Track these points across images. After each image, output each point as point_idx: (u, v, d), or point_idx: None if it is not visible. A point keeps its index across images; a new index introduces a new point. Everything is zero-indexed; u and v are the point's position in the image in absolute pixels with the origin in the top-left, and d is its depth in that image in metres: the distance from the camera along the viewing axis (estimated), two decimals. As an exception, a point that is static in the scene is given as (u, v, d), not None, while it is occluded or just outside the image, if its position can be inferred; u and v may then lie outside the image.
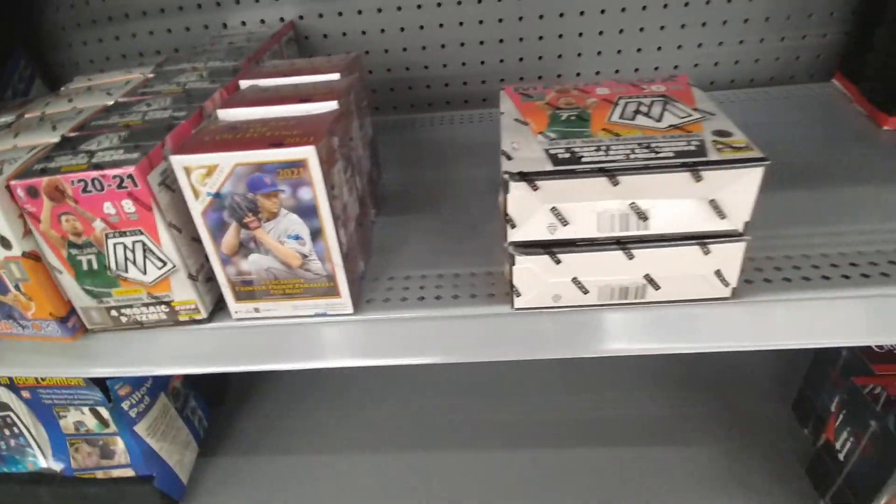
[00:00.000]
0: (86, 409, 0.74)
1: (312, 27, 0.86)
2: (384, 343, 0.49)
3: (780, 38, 0.83)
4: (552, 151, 0.42)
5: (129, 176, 0.41)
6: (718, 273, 0.44)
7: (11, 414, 0.77)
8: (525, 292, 0.46)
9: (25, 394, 0.74)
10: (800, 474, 0.75)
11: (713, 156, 0.40)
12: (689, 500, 0.74)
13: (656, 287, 0.45)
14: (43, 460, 0.79)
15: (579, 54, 0.85)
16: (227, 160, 0.41)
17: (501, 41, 0.85)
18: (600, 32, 0.83)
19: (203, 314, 0.49)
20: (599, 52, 0.85)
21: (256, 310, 0.49)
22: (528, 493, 0.76)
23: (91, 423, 0.75)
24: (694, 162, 0.39)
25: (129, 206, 0.43)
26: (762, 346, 0.46)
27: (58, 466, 0.79)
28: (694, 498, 0.74)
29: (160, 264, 0.46)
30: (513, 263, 0.44)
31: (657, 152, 0.41)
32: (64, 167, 0.43)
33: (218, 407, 0.93)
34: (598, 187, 0.41)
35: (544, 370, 0.94)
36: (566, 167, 0.40)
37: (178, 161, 0.41)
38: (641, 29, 0.83)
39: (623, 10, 0.81)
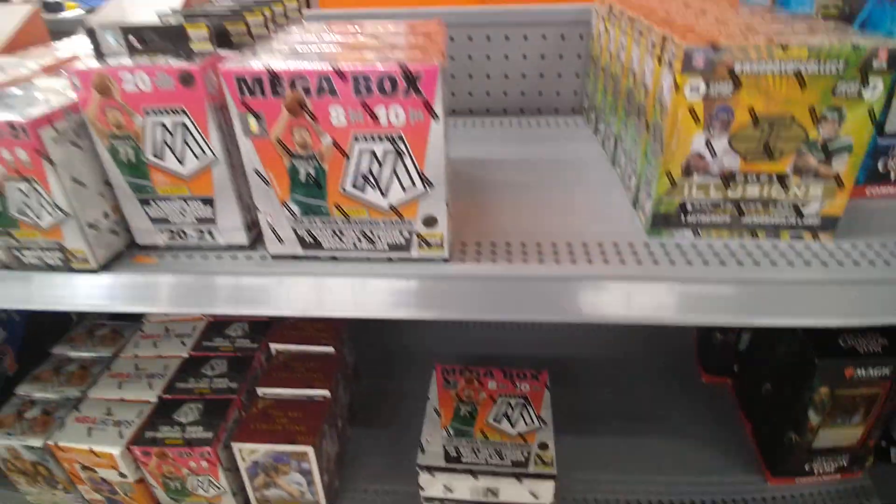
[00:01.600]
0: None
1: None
2: (346, 539, 0.81)
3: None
4: (447, 449, 0.74)
5: (208, 452, 0.73)
6: (541, 522, 0.76)
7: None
8: (430, 520, 0.78)
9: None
10: None
11: (531, 468, 0.72)
12: None
13: (506, 525, 0.77)
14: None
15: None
16: (262, 448, 0.73)
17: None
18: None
19: None
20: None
21: (271, 514, 0.80)
22: None
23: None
24: (519, 473, 0.71)
25: (204, 464, 0.75)
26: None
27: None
28: None
29: (217, 488, 0.78)
30: (423, 508, 0.76)
31: (502, 458, 0.73)
32: (167, 440, 0.75)
33: None
34: (468, 478, 0.73)
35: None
36: (452, 466, 0.73)
37: (236, 446, 0.73)
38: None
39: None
